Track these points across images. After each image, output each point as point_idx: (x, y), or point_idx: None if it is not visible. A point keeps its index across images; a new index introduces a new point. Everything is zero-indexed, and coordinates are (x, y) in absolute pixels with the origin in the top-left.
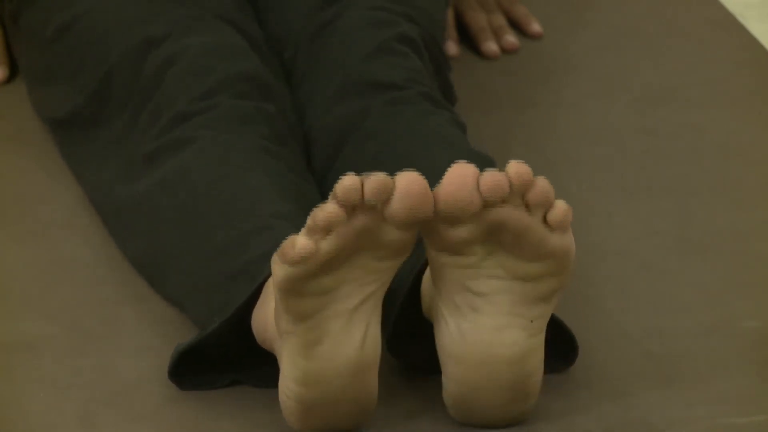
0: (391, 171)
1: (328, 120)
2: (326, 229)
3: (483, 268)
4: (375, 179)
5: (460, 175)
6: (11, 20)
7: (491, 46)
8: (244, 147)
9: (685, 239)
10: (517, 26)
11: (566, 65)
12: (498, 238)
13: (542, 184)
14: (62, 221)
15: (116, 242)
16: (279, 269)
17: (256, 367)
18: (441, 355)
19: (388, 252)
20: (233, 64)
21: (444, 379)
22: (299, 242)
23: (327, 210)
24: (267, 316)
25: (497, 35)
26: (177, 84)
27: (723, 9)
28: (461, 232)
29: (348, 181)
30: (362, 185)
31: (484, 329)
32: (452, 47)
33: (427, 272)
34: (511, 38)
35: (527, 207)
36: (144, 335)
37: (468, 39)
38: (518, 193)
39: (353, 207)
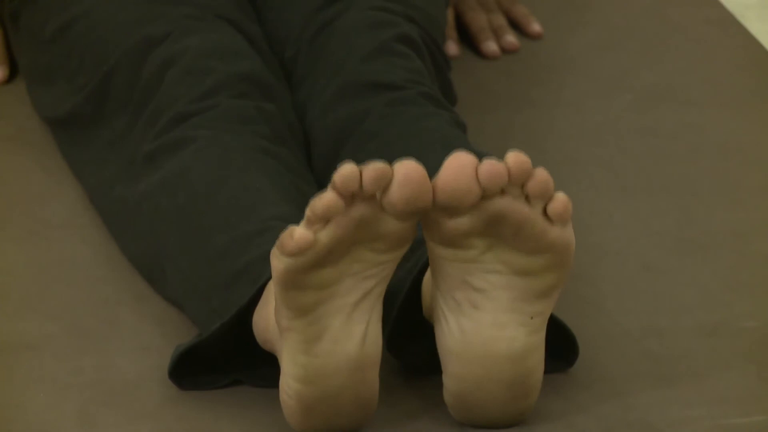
0: None
1: (329, 120)
2: (325, 219)
3: (482, 263)
4: (373, 168)
5: (458, 164)
6: (11, 20)
7: (491, 46)
8: (244, 147)
9: (684, 239)
10: (517, 26)
11: (566, 65)
12: (497, 231)
13: (542, 174)
14: (62, 221)
15: (116, 242)
16: (278, 262)
17: (256, 367)
18: (441, 352)
19: (386, 244)
20: (233, 64)
21: (444, 377)
22: (297, 233)
23: (325, 199)
24: (268, 317)
25: (497, 35)
26: (177, 84)
27: (723, 9)
28: (460, 224)
29: (346, 170)
30: (361, 174)
31: (484, 326)
32: (452, 47)
33: (428, 274)
34: (511, 38)
35: (527, 198)
36: (144, 335)
37: (468, 39)
38: (517, 184)
39: (352, 196)
